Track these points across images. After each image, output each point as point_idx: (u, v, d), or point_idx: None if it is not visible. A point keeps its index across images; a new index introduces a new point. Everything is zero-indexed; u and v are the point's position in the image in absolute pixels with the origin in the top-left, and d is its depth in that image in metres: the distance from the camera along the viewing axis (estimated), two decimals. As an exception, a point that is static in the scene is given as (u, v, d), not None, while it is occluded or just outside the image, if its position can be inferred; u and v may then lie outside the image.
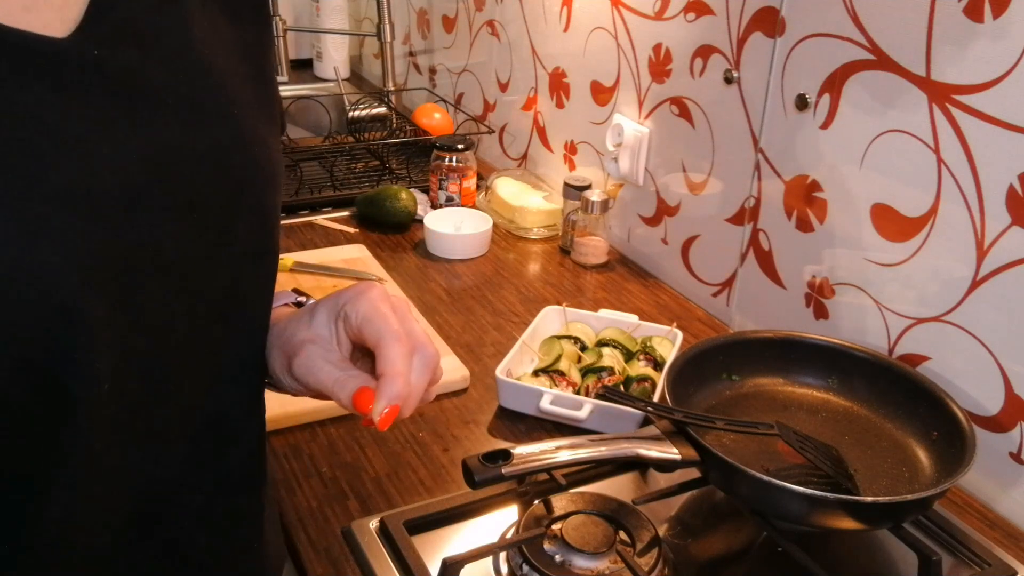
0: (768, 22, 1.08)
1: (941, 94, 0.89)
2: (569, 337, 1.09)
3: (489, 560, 0.78)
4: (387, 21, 2.01)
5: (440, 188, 1.52)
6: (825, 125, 1.02)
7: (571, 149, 1.57)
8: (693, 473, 0.82)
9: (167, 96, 0.47)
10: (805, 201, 1.07)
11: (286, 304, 0.67)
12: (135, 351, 0.47)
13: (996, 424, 0.90)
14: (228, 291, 0.54)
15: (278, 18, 2.00)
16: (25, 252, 0.39)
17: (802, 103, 1.05)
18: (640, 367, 1.04)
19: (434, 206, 1.53)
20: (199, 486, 0.58)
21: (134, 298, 0.46)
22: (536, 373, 1.03)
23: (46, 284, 0.40)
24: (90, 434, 0.46)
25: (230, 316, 0.56)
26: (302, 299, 0.69)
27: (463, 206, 1.52)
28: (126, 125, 0.45)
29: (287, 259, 1.30)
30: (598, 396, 0.98)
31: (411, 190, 1.51)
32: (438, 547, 0.80)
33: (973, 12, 0.84)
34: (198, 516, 0.58)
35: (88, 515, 0.49)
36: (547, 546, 0.77)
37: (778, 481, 0.73)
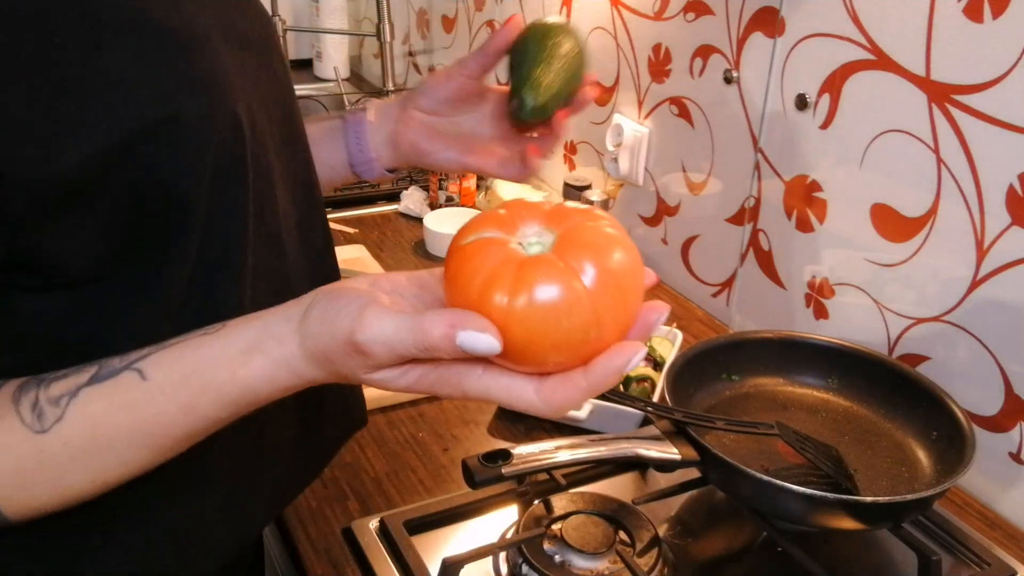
0: (768, 22, 1.08)
1: (941, 94, 0.89)
2: (569, 337, 1.09)
3: (489, 560, 0.78)
4: (387, 21, 2.01)
5: (440, 188, 1.52)
6: (825, 125, 1.02)
7: (571, 149, 1.57)
8: (693, 473, 0.82)
9: None
10: (805, 201, 1.07)
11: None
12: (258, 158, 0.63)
13: (996, 424, 0.90)
14: (287, 122, 0.69)
15: (278, 18, 2.00)
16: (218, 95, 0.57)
17: (802, 103, 1.05)
18: (640, 367, 1.04)
19: (434, 206, 1.53)
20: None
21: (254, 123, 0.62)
22: (536, 373, 1.03)
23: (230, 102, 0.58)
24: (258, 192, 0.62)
25: (295, 144, 0.71)
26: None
27: (463, 206, 1.52)
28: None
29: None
30: (598, 396, 0.98)
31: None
32: (438, 547, 0.80)
33: (973, 12, 0.84)
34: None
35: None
36: (547, 546, 0.77)
37: (778, 481, 0.73)
